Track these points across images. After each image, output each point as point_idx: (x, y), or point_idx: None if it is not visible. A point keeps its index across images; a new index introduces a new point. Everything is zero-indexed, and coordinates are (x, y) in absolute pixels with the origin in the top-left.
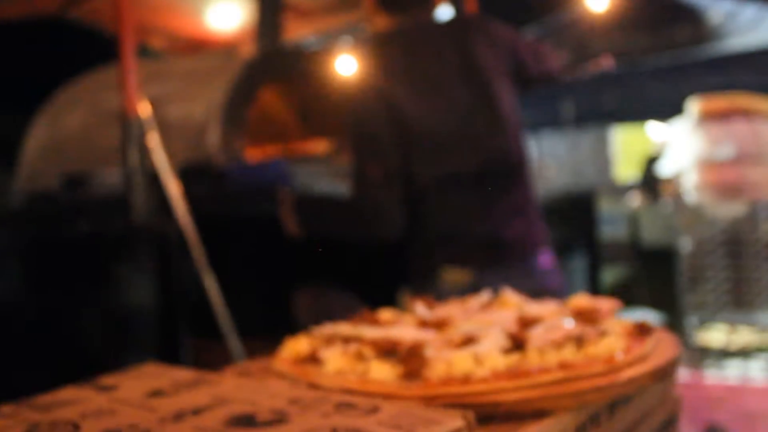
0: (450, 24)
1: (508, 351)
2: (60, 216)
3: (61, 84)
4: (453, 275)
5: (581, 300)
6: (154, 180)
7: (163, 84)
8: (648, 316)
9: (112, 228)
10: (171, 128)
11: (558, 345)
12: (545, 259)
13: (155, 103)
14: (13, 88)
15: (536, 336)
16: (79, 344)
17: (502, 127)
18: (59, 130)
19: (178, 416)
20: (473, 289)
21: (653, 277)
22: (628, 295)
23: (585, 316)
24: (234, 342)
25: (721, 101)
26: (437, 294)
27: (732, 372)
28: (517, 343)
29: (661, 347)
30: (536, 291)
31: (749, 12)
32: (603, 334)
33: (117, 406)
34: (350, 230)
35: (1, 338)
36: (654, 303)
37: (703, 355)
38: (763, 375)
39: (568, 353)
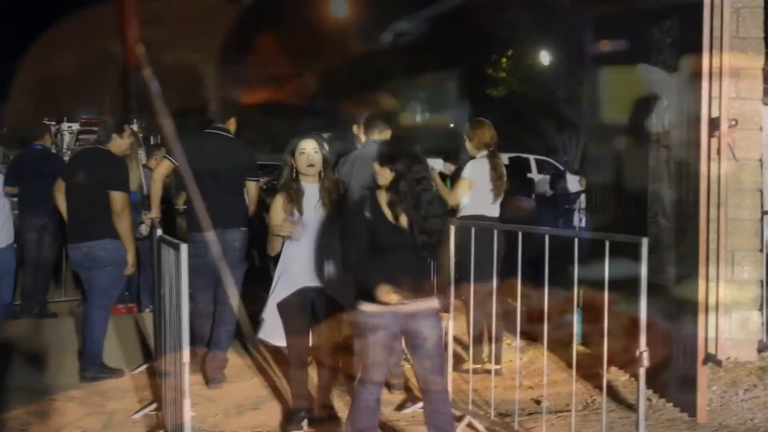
0: None
1: None
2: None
3: (50, 24)
4: None
5: None
6: (155, 127)
7: (157, 28)
8: None
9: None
10: (166, 75)
11: None
12: None
13: (150, 49)
14: None
15: None
16: None
17: None
18: (50, 73)
19: None
20: None
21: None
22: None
23: None
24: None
25: (709, 59)
26: None
27: None
28: None
29: None
30: None
31: None
32: None
33: None
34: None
35: None
36: None
37: None
38: None
39: None
